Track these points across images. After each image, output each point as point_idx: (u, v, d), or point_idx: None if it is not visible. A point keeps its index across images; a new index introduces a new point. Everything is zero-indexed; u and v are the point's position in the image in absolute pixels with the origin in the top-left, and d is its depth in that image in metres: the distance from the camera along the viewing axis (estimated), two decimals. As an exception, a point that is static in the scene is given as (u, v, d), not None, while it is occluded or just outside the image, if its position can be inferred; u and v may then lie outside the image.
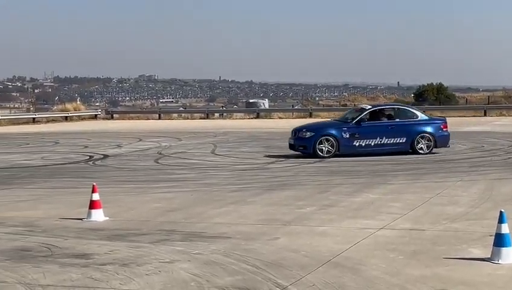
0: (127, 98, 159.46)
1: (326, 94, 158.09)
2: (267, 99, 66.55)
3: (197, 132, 35.36)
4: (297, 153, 21.17)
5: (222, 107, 72.69)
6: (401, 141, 21.12)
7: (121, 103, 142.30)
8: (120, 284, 7.23)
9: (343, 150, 20.90)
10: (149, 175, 17.60)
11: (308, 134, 21.17)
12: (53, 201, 13.34)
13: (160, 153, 23.67)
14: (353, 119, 21.56)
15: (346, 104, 69.56)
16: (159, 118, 54.64)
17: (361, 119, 21.32)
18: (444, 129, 21.65)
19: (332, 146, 20.80)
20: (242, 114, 55.74)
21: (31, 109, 66.99)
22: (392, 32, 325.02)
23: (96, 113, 57.71)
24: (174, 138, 30.90)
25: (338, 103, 68.40)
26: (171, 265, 7.96)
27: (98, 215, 11.00)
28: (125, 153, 24.17)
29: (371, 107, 22.82)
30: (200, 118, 53.88)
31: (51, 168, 19.80)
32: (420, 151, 21.04)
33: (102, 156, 22.85)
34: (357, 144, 21.02)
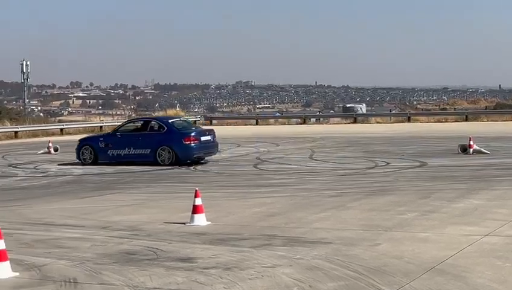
0: (225, 104, 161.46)
1: (425, 98, 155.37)
2: (364, 104, 65.93)
3: (294, 137, 35.44)
4: (397, 158, 20.85)
5: (319, 112, 72.54)
6: (145, 152, 22.25)
7: (218, 109, 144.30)
8: (224, 288, 7.34)
9: (102, 158, 22.98)
10: (248, 180, 17.78)
11: (79, 143, 23.62)
12: (156, 205, 13.67)
13: (258, 159, 23.87)
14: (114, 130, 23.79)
15: (445, 108, 68.23)
16: (257, 124, 55.09)
17: (116, 131, 23.25)
18: (187, 142, 21.96)
19: (91, 154, 23.00)
20: (339, 119, 55.53)
21: (133, 115, 68.75)
22: (495, 32, 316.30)
23: (196, 119, 58.65)
24: (272, 143, 31.08)
25: (437, 107, 67.19)
26: (273, 270, 8.02)
27: (200, 220, 11.20)
28: (224, 158, 24.49)
29: (131, 119, 25.14)
30: (297, 124, 54.00)
31: (154, 173, 20.28)
32: (161, 163, 21.77)
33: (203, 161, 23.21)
34: (111, 154, 22.86)
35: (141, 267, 8.36)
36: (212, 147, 22.94)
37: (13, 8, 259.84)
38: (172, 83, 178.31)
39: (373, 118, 53.70)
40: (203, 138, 22.37)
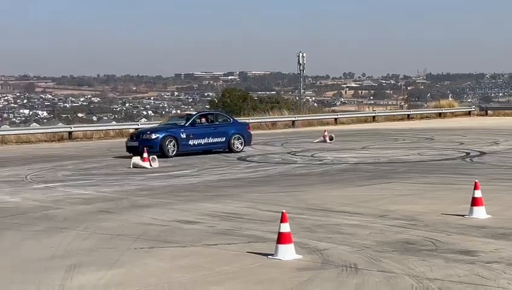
0: (500, 94, 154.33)
1: None
2: None
3: None
4: None
5: None
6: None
7: (493, 99, 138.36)
8: (508, 283, 7.10)
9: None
10: (530, 174, 16.88)
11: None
12: (432, 196, 13.51)
13: (540, 151, 22.54)
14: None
15: None
16: (538, 114, 51.95)
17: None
18: None
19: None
20: None
21: (404, 105, 68.40)
22: None
23: (470, 109, 56.85)
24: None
25: None
26: (562, 269, 7.58)
27: (480, 213, 10.89)
28: (502, 150, 23.48)
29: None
30: None
31: (428, 163, 20.04)
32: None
33: (478, 153, 22.49)
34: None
35: (420, 257, 8.34)
36: None
37: (288, 4, 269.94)
38: (444, 73, 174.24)
39: None
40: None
